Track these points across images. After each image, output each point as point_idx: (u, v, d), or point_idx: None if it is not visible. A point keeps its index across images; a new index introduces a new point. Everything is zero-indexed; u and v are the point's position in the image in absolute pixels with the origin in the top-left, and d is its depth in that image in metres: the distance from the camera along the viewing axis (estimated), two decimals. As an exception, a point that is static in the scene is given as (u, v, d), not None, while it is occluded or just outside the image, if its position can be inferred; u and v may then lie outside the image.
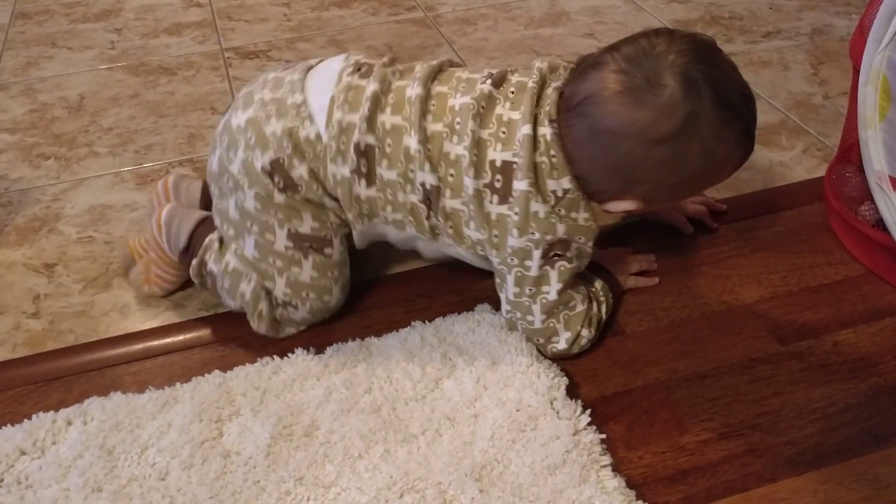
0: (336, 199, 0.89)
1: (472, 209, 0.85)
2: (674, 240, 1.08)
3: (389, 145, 0.85)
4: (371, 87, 0.85)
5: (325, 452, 0.81)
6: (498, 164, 0.83)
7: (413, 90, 0.85)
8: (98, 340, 0.98)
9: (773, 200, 1.15)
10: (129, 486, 0.79)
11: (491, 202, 0.84)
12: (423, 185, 0.85)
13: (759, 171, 1.21)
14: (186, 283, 1.02)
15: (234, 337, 0.95)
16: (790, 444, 0.82)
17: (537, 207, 0.83)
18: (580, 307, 0.90)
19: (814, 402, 0.86)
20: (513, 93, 0.85)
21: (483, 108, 0.84)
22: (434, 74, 0.88)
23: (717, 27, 1.58)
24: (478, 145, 0.83)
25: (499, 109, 0.85)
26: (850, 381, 0.88)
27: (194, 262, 0.96)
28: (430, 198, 0.86)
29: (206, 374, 0.90)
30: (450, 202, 0.86)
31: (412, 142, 0.84)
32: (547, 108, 0.83)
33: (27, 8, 1.85)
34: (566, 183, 0.83)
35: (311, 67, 0.90)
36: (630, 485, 0.78)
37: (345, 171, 0.86)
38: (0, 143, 1.37)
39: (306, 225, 0.89)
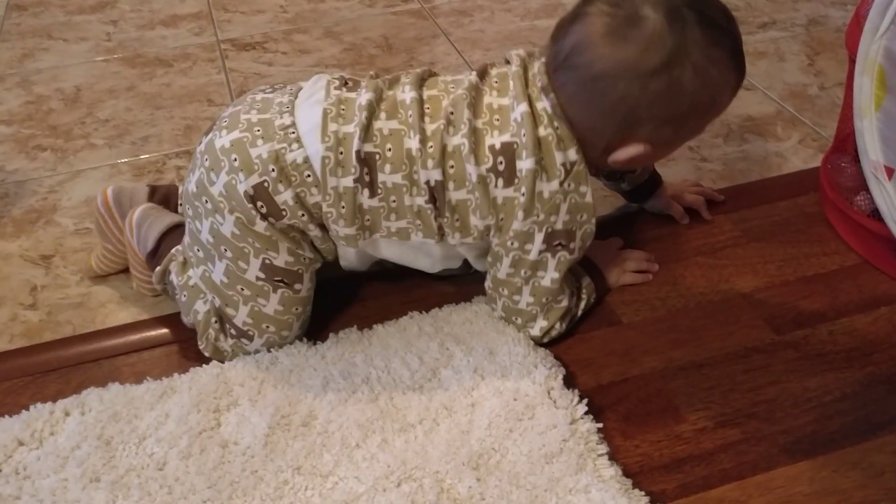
0: (322, 227, 0.88)
1: (477, 196, 0.84)
2: (669, 230, 1.08)
3: (390, 150, 0.84)
4: (365, 96, 0.85)
5: (323, 442, 0.81)
6: (498, 147, 0.83)
7: (407, 94, 0.86)
8: (96, 331, 0.98)
9: (769, 190, 1.15)
10: (127, 476, 0.79)
11: (496, 186, 0.84)
12: (427, 183, 0.84)
13: (755, 161, 1.22)
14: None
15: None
16: (786, 432, 0.82)
17: (542, 187, 0.83)
18: (564, 303, 0.91)
19: (809, 390, 0.86)
20: (496, 82, 0.86)
21: (474, 97, 0.85)
22: (421, 81, 0.88)
23: (713, 18, 1.58)
24: (474, 133, 0.83)
25: (486, 99, 0.85)
26: (846, 370, 0.88)
27: (158, 269, 0.95)
28: (436, 195, 0.85)
29: (203, 365, 0.90)
30: (454, 194, 0.85)
31: (413, 143, 0.83)
32: (538, 84, 0.83)
33: None
34: (573, 154, 0.83)
35: (300, 89, 0.89)
36: (626, 473, 0.78)
37: (347, 181, 0.84)
38: (-4, 134, 1.37)
39: (281, 258, 0.87)
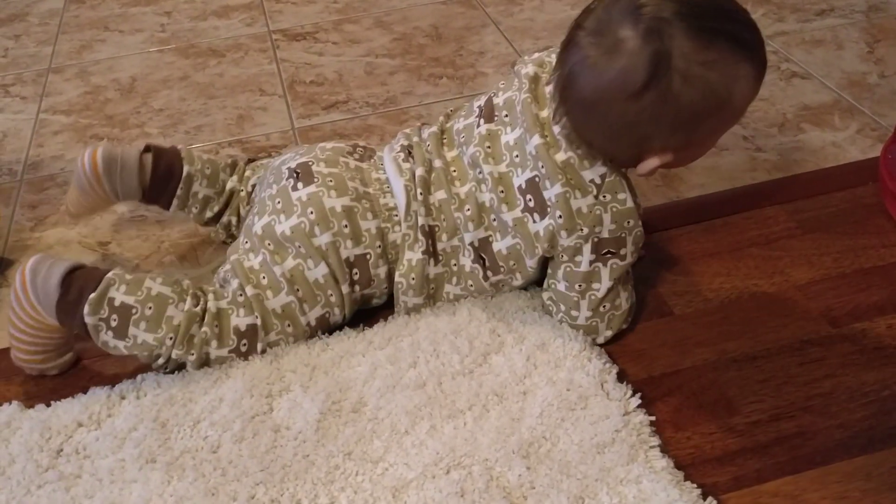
0: (389, 297, 0.94)
1: (522, 237, 0.88)
2: (723, 220, 1.06)
3: (444, 220, 0.90)
4: (418, 171, 0.91)
5: (373, 428, 0.82)
6: (524, 186, 0.86)
7: (437, 162, 0.91)
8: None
9: (826, 181, 1.12)
10: (182, 457, 0.81)
11: (534, 222, 0.86)
12: (472, 244, 0.90)
13: (811, 151, 1.19)
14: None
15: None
16: (842, 426, 0.81)
17: (579, 203, 0.84)
18: (625, 305, 0.90)
19: (867, 385, 0.85)
20: (506, 116, 0.88)
21: (489, 147, 0.88)
22: (440, 140, 0.93)
23: (767, 6, 1.55)
24: (501, 181, 0.87)
25: (503, 139, 0.88)
26: (905, 365, 0.86)
27: (92, 296, 0.85)
28: (482, 254, 0.90)
29: (256, 351, 0.92)
30: (502, 244, 0.89)
31: (456, 212, 0.90)
32: (549, 110, 0.84)
33: (80, -8, 1.88)
34: (601, 168, 0.83)
35: (374, 158, 0.96)
36: (678, 465, 0.78)
37: (418, 254, 0.90)
38: (56, 124, 1.40)
39: (338, 317, 0.92)
